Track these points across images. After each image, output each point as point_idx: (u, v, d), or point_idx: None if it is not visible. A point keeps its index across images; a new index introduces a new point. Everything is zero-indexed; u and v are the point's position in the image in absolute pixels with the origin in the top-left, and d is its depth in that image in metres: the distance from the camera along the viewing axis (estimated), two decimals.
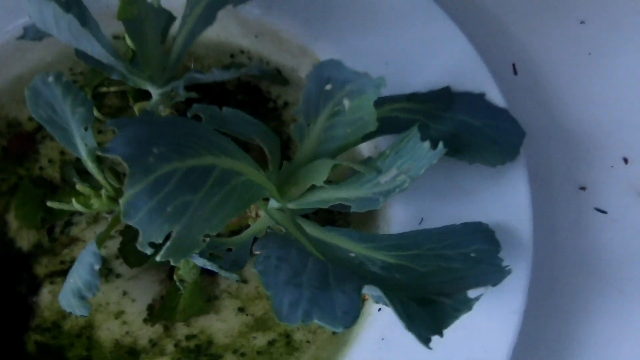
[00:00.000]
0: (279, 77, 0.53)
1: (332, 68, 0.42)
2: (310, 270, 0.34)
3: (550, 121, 0.53)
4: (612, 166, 0.51)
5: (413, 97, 0.46)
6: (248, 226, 0.43)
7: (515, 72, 0.55)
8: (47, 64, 0.53)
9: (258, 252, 0.36)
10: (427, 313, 0.33)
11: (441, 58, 0.49)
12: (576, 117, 0.53)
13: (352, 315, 0.32)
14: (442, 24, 0.50)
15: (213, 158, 0.36)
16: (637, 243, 0.49)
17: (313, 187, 0.42)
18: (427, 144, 0.38)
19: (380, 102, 0.44)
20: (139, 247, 0.33)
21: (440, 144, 0.38)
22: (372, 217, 0.47)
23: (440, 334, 0.32)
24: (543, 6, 0.58)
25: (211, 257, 0.38)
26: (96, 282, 0.39)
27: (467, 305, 0.33)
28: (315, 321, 0.31)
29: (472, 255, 0.39)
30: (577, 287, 0.48)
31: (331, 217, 0.48)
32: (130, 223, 0.32)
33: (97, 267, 0.39)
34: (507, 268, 0.37)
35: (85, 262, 0.40)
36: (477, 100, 0.46)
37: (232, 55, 0.54)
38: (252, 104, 0.53)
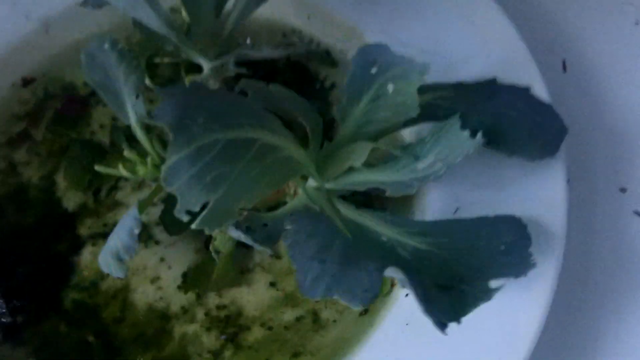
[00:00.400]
0: (327, 58, 0.54)
1: (378, 51, 0.42)
2: (337, 248, 0.35)
3: (595, 120, 0.53)
4: None
5: (458, 86, 0.46)
6: (286, 203, 0.44)
7: (564, 69, 0.54)
8: (105, 32, 0.55)
9: (289, 227, 0.36)
10: (447, 299, 0.33)
11: (489, 49, 0.49)
12: (623, 117, 0.53)
13: (371, 294, 0.32)
14: (492, 15, 0.49)
15: (255, 132, 0.37)
16: None
17: (351, 169, 0.42)
18: (466, 133, 0.39)
19: (424, 89, 0.44)
20: (176, 215, 0.34)
21: (479, 134, 0.38)
22: (409, 202, 0.47)
23: (458, 321, 0.32)
24: (598, 4, 0.57)
25: (247, 230, 0.39)
26: (134, 246, 0.40)
27: (487, 294, 0.34)
28: (335, 297, 0.32)
29: (502, 248, 0.39)
30: (608, 289, 0.47)
31: (368, 200, 0.48)
32: (168, 190, 0.33)
33: (136, 231, 0.40)
34: (532, 262, 0.38)
35: (126, 225, 0.41)
36: (521, 94, 0.46)
37: (284, 34, 0.55)
38: (299, 83, 0.54)
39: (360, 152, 0.41)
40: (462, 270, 0.37)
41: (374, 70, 0.42)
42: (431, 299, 0.33)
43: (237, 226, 0.39)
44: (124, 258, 0.41)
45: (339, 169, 0.43)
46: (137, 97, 0.44)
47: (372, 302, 0.32)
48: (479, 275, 0.36)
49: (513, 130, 0.44)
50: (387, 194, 0.41)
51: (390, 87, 0.42)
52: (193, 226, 0.35)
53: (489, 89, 0.46)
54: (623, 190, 0.50)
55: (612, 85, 0.54)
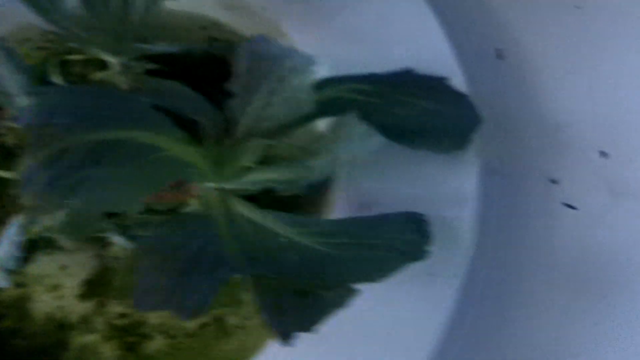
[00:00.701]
0: None
1: (263, 44, 0.40)
2: (190, 255, 0.33)
3: (530, 110, 0.51)
4: (588, 161, 0.48)
5: (370, 77, 0.44)
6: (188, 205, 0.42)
7: (500, 57, 0.52)
8: (26, 26, 0.52)
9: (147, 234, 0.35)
10: (301, 306, 0.31)
11: (407, 39, 0.47)
12: (559, 107, 0.50)
13: (199, 308, 0.30)
14: (413, 5, 0.47)
15: (128, 132, 0.35)
16: (605, 242, 0.46)
17: (248, 168, 0.40)
18: (364, 129, 0.37)
19: (336, 81, 0.42)
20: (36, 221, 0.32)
21: (376, 133, 0.36)
22: (320, 202, 0.45)
23: (309, 330, 0.30)
24: None
25: (130, 235, 0.37)
26: (18, 254, 0.39)
27: (343, 300, 0.32)
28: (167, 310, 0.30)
29: (399, 247, 0.37)
30: (538, 281, 0.45)
31: (280, 199, 0.46)
32: (24, 196, 0.32)
33: (19, 239, 0.38)
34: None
35: (10, 234, 0.39)
36: (437, 85, 0.44)
37: (204, 27, 0.53)
38: (218, 79, 0.51)
39: (253, 151, 0.39)
40: (344, 271, 0.36)
41: (264, 66, 0.40)
42: (282, 307, 0.30)
43: (118, 230, 0.37)
44: (9, 267, 0.39)
45: (235, 168, 0.41)
46: (26, 96, 0.42)
47: (199, 315, 0.30)
48: (357, 277, 0.34)
49: (424, 123, 0.42)
50: (281, 193, 0.39)
51: (285, 82, 0.40)
52: (55, 232, 0.33)
53: (403, 79, 0.44)
54: (554, 181, 0.48)
55: (549, 72, 0.52)
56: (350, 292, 0.33)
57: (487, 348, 0.43)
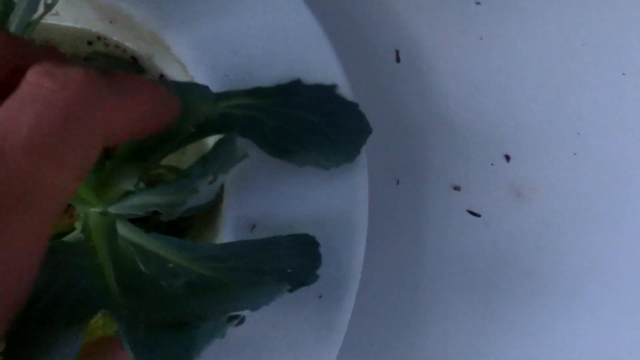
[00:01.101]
0: (133, 65, 0.49)
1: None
2: (54, 292, 0.31)
3: (429, 113, 0.49)
4: (492, 164, 0.47)
5: (255, 91, 0.42)
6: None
7: (398, 60, 0.50)
8: None
9: None
10: (178, 340, 0.29)
11: (292, 47, 0.45)
12: (459, 109, 0.49)
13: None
14: (294, 8, 0.45)
15: None
16: (509, 250, 0.45)
17: (132, 191, 0.38)
18: (238, 148, 0.35)
19: (220, 97, 0.40)
20: None
21: (244, 151, 0.34)
22: (213, 221, 0.43)
23: None
24: None
25: None
26: None
27: (222, 330, 0.30)
28: None
29: (289, 270, 0.36)
30: (439, 291, 0.44)
31: (173, 223, 0.44)
32: None
33: None
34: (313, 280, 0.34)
35: None
36: (325, 95, 0.42)
37: (89, 42, 0.50)
38: None
39: (130, 174, 0.37)
40: (231, 298, 0.34)
41: None
42: (151, 342, 0.29)
43: None
44: None
45: (116, 191, 0.39)
46: None
47: None
48: (242, 303, 0.33)
49: (308, 137, 0.40)
50: (162, 218, 0.37)
51: None
52: None
53: (289, 91, 0.42)
54: (457, 188, 0.46)
55: (448, 73, 0.50)
56: (231, 320, 0.31)
57: None
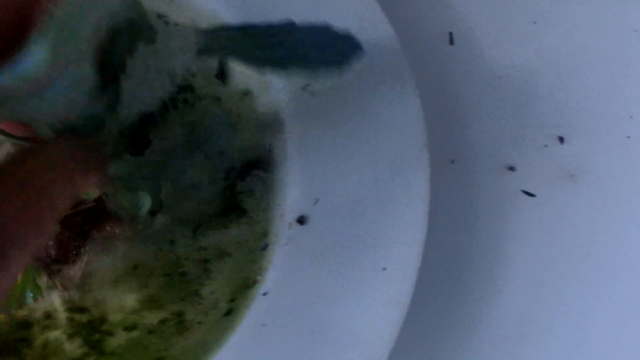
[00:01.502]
0: None
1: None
2: None
3: (484, 95, 0.50)
4: (545, 145, 0.48)
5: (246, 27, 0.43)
6: None
7: (451, 42, 0.52)
8: None
9: None
10: None
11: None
12: (513, 91, 0.50)
13: None
14: None
15: None
16: (562, 230, 0.46)
17: None
18: None
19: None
20: None
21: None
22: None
23: None
24: None
25: None
26: None
27: None
28: None
29: None
30: (491, 273, 0.46)
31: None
32: None
33: None
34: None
35: None
36: (321, 31, 0.42)
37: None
38: None
39: None
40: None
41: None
42: None
43: None
44: None
45: None
46: None
47: None
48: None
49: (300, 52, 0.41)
50: None
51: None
52: None
53: (284, 29, 0.42)
54: (512, 168, 0.48)
55: (502, 56, 0.52)
56: None
57: (441, 341, 0.44)
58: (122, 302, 0.44)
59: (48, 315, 0.44)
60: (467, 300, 0.45)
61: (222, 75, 0.44)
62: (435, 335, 0.44)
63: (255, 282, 0.42)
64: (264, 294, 0.41)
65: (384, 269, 0.39)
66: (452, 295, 0.45)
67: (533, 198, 0.47)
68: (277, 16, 0.43)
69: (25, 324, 0.44)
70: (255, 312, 0.41)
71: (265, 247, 0.43)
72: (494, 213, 0.47)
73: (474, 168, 0.48)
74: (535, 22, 0.52)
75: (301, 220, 0.42)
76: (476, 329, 0.44)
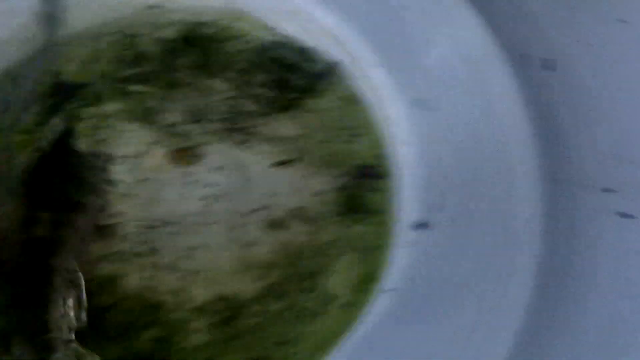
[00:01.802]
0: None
1: None
2: None
3: (579, 120, 0.53)
4: None
5: None
6: None
7: (550, 69, 0.55)
8: None
9: None
10: None
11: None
12: (609, 117, 0.53)
13: None
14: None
15: None
16: None
17: None
18: None
19: None
20: None
21: None
22: None
23: None
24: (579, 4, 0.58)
25: None
26: None
27: None
28: None
29: None
30: (589, 295, 0.47)
31: None
32: None
33: None
34: None
35: None
36: None
37: None
38: None
39: None
40: None
41: None
42: None
43: None
44: None
45: None
46: None
47: None
48: None
49: None
50: None
51: None
52: None
53: None
54: (608, 190, 0.50)
55: (597, 84, 0.54)
56: None
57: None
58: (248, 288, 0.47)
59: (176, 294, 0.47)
60: (569, 320, 0.46)
61: None
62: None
63: (376, 279, 0.45)
64: (386, 291, 0.44)
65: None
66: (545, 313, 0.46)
67: (632, 219, 0.49)
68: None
69: (156, 303, 0.47)
70: (381, 305, 0.43)
71: (387, 247, 0.45)
72: (591, 234, 0.49)
73: (570, 188, 0.50)
74: (629, 53, 0.55)
75: (422, 224, 0.45)
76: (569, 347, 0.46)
